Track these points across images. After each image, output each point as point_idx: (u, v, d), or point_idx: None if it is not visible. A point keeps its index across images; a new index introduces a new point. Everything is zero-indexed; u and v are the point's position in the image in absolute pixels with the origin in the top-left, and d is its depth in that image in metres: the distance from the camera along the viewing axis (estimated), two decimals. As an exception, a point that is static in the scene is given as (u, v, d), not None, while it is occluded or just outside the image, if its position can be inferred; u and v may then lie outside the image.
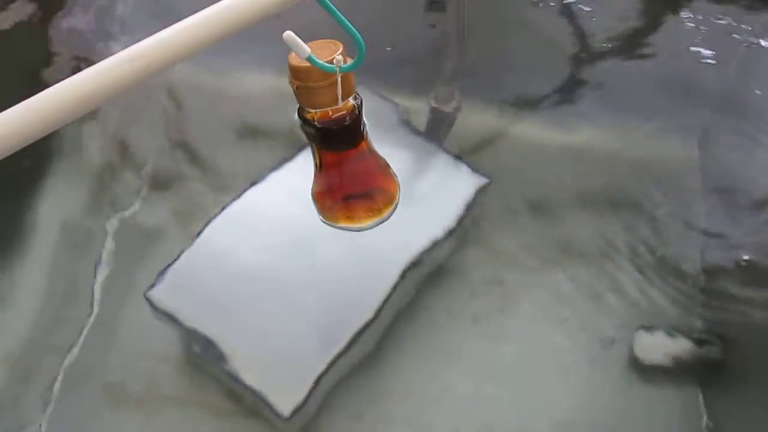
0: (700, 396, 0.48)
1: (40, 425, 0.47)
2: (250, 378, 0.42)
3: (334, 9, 0.24)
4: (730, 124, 0.52)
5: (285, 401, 0.41)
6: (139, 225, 0.54)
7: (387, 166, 0.34)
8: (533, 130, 0.57)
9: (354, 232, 0.36)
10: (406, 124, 0.49)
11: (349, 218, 0.33)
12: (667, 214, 0.54)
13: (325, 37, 0.27)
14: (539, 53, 0.52)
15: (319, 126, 0.29)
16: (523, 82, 0.56)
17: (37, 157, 0.56)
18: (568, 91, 0.55)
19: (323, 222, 0.34)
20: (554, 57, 0.52)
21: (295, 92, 0.28)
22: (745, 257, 0.48)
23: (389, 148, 0.46)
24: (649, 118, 0.56)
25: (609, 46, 0.50)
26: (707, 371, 0.48)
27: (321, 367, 0.42)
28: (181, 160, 0.55)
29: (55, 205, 0.54)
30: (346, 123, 0.29)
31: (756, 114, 0.48)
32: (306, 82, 0.27)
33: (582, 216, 0.54)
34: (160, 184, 0.55)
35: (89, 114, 0.53)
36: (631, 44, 0.50)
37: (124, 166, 0.56)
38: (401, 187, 0.44)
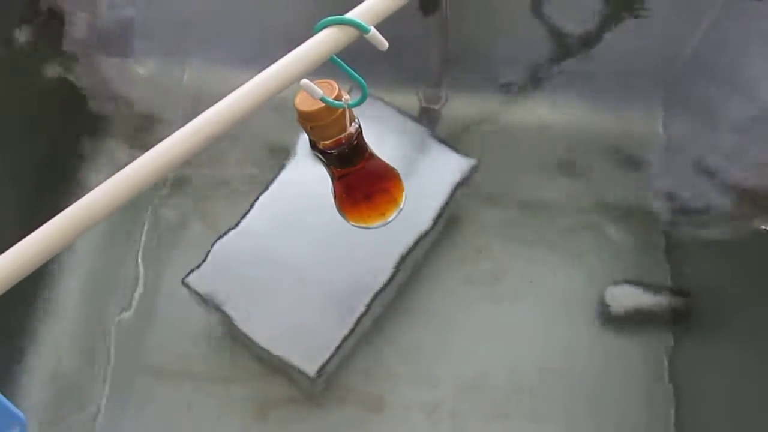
0: (668, 344, 0.55)
1: (100, 401, 0.54)
2: (278, 349, 0.48)
3: (343, 64, 0.29)
4: (692, 98, 0.58)
5: (311, 364, 0.48)
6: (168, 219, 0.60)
7: (387, 164, 0.40)
8: (514, 115, 0.63)
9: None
10: (398, 113, 0.54)
11: (372, 216, 0.40)
12: (636, 180, 0.61)
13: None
14: (516, 46, 0.58)
15: (335, 152, 0.35)
16: (502, 73, 0.61)
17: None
18: (544, 79, 0.61)
19: (355, 227, 0.40)
20: (529, 49, 0.58)
21: (307, 131, 0.34)
22: (707, 215, 0.54)
23: (382, 137, 0.52)
24: (619, 99, 0.62)
25: (577, 38, 0.56)
26: (674, 322, 0.55)
27: (340, 335, 0.48)
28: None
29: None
30: (354, 143, 0.35)
31: (717, 87, 0.54)
32: (317, 122, 0.33)
33: (559, 188, 0.61)
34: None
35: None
36: (595, 32, 0.55)
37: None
38: (400, 167, 0.50)
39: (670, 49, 0.56)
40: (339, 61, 0.29)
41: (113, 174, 0.24)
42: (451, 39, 0.47)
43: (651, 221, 0.59)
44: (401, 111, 0.53)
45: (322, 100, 0.31)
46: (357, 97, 0.32)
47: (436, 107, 0.55)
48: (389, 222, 0.40)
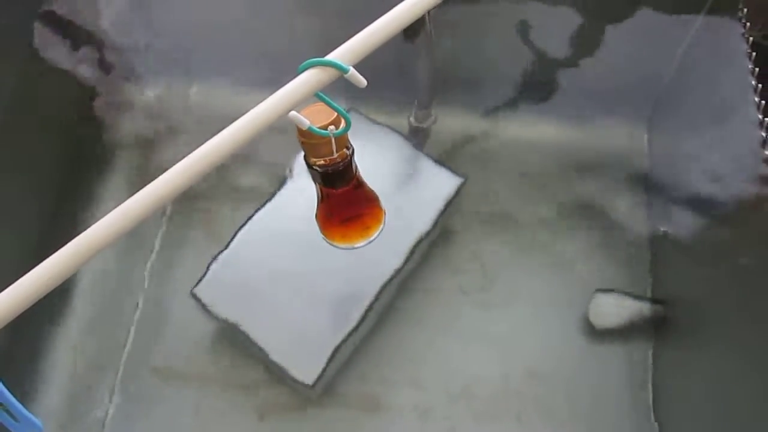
0: (649, 350, 0.57)
1: (108, 404, 0.57)
2: (277, 356, 0.51)
3: (327, 99, 0.32)
4: (674, 114, 0.60)
5: (307, 372, 0.51)
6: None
7: (375, 196, 0.43)
8: (502, 132, 0.65)
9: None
10: (387, 131, 0.57)
11: (345, 238, 0.43)
12: (621, 194, 0.63)
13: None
14: (502, 67, 0.60)
15: (320, 170, 0.37)
16: (490, 92, 0.64)
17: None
18: (528, 95, 0.63)
19: (324, 241, 0.43)
20: (515, 69, 0.60)
21: (301, 146, 0.36)
22: (688, 227, 0.56)
23: (376, 152, 0.55)
24: (604, 116, 0.64)
25: (560, 56, 0.58)
26: (655, 329, 0.57)
27: (336, 344, 0.51)
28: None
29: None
30: (340, 168, 0.37)
31: (697, 103, 0.56)
32: (309, 139, 0.35)
33: (546, 201, 0.63)
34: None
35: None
36: (579, 52, 0.58)
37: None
38: (388, 188, 0.53)
39: (652, 69, 0.58)
40: (324, 96, 0.32)
41: (123, 190, 0.26)
42: (439, 61, 0.50)
43: (635, 232, 0.62)
44: (392, 130, 0.56)
45: (309, 129, 0.34)
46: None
47: (426, 126, 0.57)
48: (356, 248, 0.43)
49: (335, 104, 0.32)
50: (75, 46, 0.61)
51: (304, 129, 0.34)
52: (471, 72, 0.61)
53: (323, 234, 0.43)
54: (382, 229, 0.44)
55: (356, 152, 0.55)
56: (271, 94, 0.29)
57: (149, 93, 0.68)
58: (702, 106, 0.54)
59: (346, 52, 0.30)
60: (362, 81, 0.31)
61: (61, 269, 0.26)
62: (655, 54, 0.57)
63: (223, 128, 0.28)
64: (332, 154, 0.36)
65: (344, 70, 0.30)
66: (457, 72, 0.60)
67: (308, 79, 0.30)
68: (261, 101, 0.29)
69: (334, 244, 0.43)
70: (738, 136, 0.47)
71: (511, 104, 0.64)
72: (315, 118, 0.34)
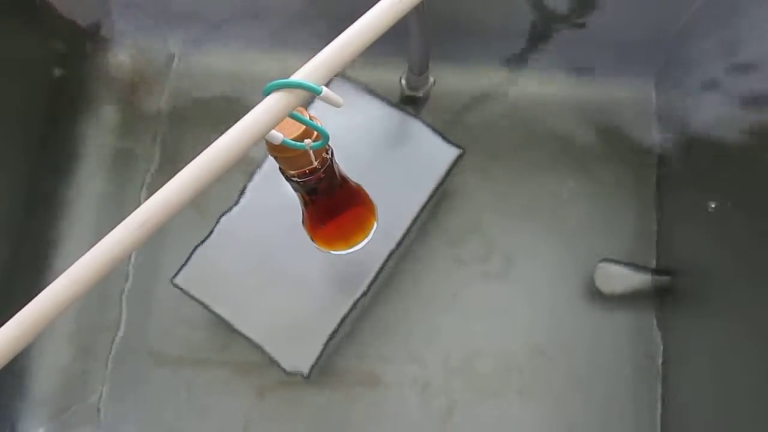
0: (654, 320, 0.55)
1: (101, 389, 0.56)
2: (269, 347, 0.49)
3: (302, 117, 0.28)
4: (685, 66, 0.55)
5: (301, 363, 0.49)
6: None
7: (362, 189, 0.39)
8: (504, 91, 0.60)
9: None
10: (377, 98, 0.52)
11: (340, 241, 0.39)
12: (629, 153, 0.59)
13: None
14: (500, 21, 0.54)
15: (299, 181, 0.34)
16: (490, 50, 0.58)
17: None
18: (531, 51, 0.57)
19: (319, 249, 0.40)
20: (515, 23, 0.54)
21: (275, 159, 0.33)
22: (707, 200, 0.53)
23: (365, 123, 0.51)
24: (611, 69, 0.58)
25: (565, 8, 0.52)
26: (661, 298, 0.55)
27: (329, 330, 0.49)
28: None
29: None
30: (322, 176, 0.34)
31: (710, 53, 0.51)
32: (283, 153, 0.31)
33: (549, 163, 0.59)
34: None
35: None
36: (584, 4, 0.51)
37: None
38: (380, 164, 0.49)
39: (665, 17, 0.52)
40: (297, 115, 0.28)
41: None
42: (434, 20, 0.44)
43: (642, 195, 0.58)
44: (386, 99, 0.51)
45: (284, 143, 0.30)
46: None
47: (420, 95, 0.52)
48: (353, 250, 0.40)
49: (308, 119, 0.28)
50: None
51: (271, 143, 0.30)
52: (470, 29, 0.55)
53: (314, 241, 0.40)
54: (376, 224, 0.40)
55: (344, 125, 0.50)
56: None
57: (125, 54, 0.62)
58: (718, 57, 0.49)
59: (316, 69, 0.26)
60: (338, 100, 0.26)
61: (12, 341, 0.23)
62: (667, 4, 0.51)
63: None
64: (311, 164, 0.33)
65: (316, 92, 0.26)
66: (455, 30, 0.54)
67: (272, 106, 0.25)
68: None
69: (325, 249, 0.40)
70: (758, 88, 0.42)
71: (513, 62, 0.59)
72: (287, 128, 0.30)
